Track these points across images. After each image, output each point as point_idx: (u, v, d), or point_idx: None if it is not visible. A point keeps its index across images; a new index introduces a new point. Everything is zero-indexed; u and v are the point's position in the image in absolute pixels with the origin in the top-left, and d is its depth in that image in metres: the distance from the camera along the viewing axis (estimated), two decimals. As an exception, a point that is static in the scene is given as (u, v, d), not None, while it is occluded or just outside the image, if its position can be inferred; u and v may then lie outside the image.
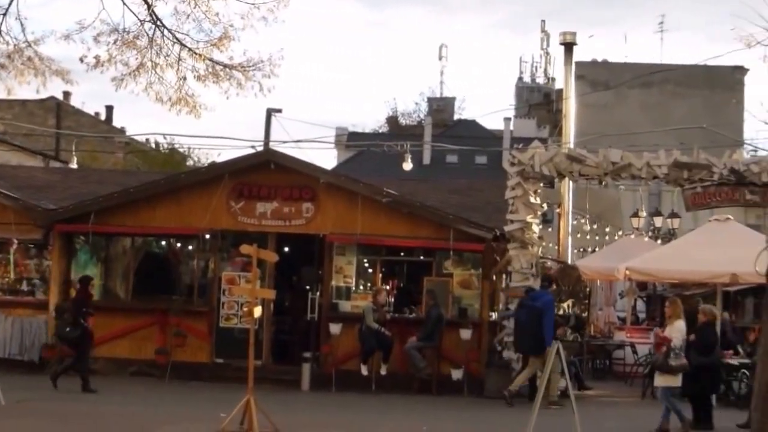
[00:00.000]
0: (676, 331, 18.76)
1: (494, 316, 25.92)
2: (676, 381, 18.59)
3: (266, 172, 25.59)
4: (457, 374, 24.48)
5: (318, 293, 25.72)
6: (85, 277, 23.71)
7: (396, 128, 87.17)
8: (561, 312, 28.22)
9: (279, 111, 38.62)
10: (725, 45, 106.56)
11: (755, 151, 39.31)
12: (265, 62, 20.39)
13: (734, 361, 24.59)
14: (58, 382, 21.57)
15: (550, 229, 38.20)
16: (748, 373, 22.74)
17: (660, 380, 18.83)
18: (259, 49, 32.15)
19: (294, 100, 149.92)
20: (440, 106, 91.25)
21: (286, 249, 26.19)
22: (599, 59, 74.25)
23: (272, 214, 25.63)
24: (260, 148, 28.74)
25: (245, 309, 23.56)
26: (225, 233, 25.77)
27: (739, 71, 69.50)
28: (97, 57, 19.73)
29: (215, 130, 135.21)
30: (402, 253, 26.77)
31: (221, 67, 20.33)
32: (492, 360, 24.84)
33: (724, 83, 68.37)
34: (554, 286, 25.99)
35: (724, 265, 24.81)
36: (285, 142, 43.08)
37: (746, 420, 17.74)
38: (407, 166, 29.51)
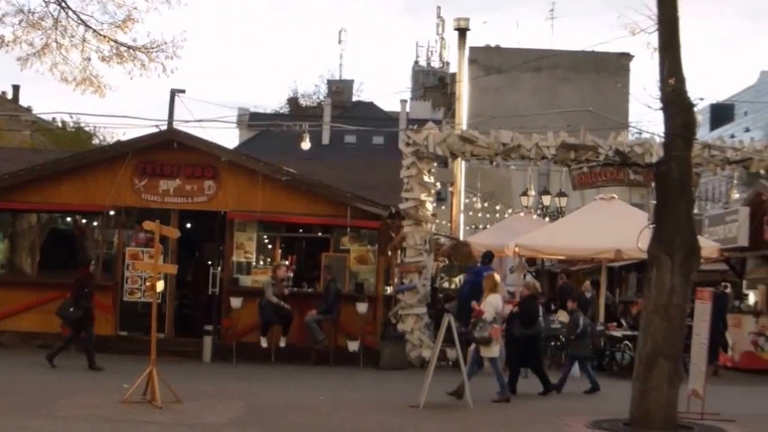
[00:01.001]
0: (489, 305, 19.32)
1: (389, 290, 26.71)
2: (492, 351, 19.19)
3: (169, 150, 26.04)
4: (353, 346, 25.18)
5: (219, 268, 26.31)
6: (86, 259, 24.24)
7: (296, 109, 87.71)
8: (453, 285, 29.16)
9: (182, 92, 39.09)
10: (612, 32, 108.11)
11: (639, 133, 40.72)
12: (168, 44, 20.98)
13: (617, 333, 25.79)
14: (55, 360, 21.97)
15: (443, 207, 39.22)
16: (630, 344, 23.88)
17: (484, 351, 19.25)
18: (163, 32, 32.81)
19: (197, 81, 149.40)
20: (339, 88, 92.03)
21: (189, 225, 26.59)
22: (492, 44, 75.47)
23: (175, 191, 26.11)
24: (164, 128, 29.04)
25: (148, 283, 23.70)
26: (129, 210, 26.18)
27: (625, 57, 71.35)
28: (1, 37, 20.18)
29: (121, 109, 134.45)
30: (301, 230, 27.49)
31: (125, 48, 20.82)
32: (387, 332, 25.65)
33: (611, 69, 70.02)
34: (494, 263, 27.00)
35: (608, 242, 25.87)
36: (188, 121, 43.38)
37: (456, 387, 18.46)
38: (306, 145, 30.15)
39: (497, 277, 20.56)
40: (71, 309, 22.29)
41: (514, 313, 20.86)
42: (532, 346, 20.73)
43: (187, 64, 55.72)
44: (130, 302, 25.97)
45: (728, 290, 29.31)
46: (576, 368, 22.14)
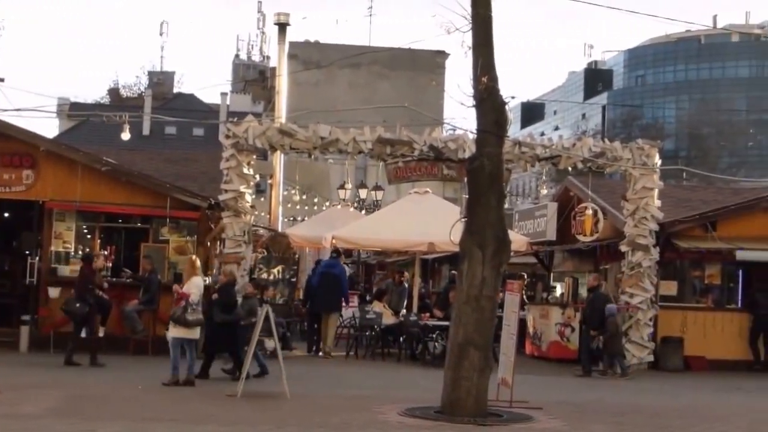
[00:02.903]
0: (194, 287, 19.73)
1: (209, 281, 26.86)
2: (194, 334, 19.63)
3: (-13, 139, 25.55)
4: (172, 335, 25.23)
5: (37, 258, 25.88)
6: (87, 255, 24.00)
7: (117, 100, 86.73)
8: (271, 277, 29.49)
9: (1, 80, 38.31)
10: (429, 30, 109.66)
11: (453, 129, 41.54)
12: (-16, 33, 20.70)
13: (430, 323, 26.47)
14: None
15: (262, 199, 39.35)
16: (442, 334, 24.52)
17: (174, 332, 19.58)
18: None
19: (17, 69, 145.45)
20: (160, 80, 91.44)
21: (6, 215, 26.27)
22: (312, 40, 75.98)
23: (-8, 180, 25.61)
24: (-17, 116, 28.50)
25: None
26: (-55, 199, 25.61)
27: (441, 55, 72.74)
28: None
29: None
30: (120, 220, 27.34)
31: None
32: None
33: (427, 66, 71.20)
34: (343, 257, 27.63)
35: (422, 235, 26.52)
36: (6, 110, 42.48)
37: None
38: (126, 136, 29.93)
39: (197, 260, 20.90)
40: (77, 305, 22.30)
41: (213, 300, 21.19)
42: (231, 332, 20.90)
43: (7, 52, 54.50)
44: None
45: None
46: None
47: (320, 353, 27.06)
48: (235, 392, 17.81)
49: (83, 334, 22.82)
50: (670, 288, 27.93)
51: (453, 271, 30.92)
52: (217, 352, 21.27)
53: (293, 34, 74.18)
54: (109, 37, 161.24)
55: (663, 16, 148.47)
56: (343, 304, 28.28)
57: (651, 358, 26.85)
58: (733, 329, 27.74)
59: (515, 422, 16.36)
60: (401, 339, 27.10)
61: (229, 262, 25.90)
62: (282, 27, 34.81)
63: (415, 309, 27.66)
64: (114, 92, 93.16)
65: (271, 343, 20.62)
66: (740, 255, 27.42)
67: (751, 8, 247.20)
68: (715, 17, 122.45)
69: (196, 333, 19.70)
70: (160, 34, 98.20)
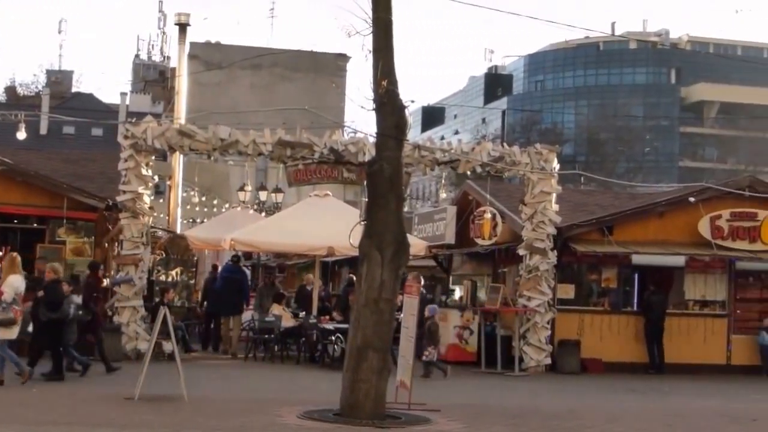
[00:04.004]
0: (8, 286, 19.41)
1: (106, 282, 26.58)
2: (11, 334, 19.32)
3: None
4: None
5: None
6: (94, 263, 23.85)
7: (14, 98, 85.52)
8: (170, 279, 29.31)
9: None
10: (331, 33, 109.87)
11: (354, 132, 41.62)
12: None
13: (330, 326, 26.47)
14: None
15: (161, 200, 39.04)
16: (342, 337, 24.52)
17: (3, 333, 19.22)
18: None
19: None
20: (58, 79, 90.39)
21: None
22: (213, 41, 75.69)
23: None
24: None
25: None
26: None
27: (342, 58, 72.81)
28: None
29: None
30: (16, 221, 26.98)
31: None
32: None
33: (329, 69, 71.22)
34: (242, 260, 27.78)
35: (322, 238, 26.49)
36: None
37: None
38: (21, 135, 29.69)
39: (18, 258, 20.50)
40: (80, 312, 21.81)
41: (39, 298, 20.92)
42: (56, 330, 20.74)
43: None
44: None
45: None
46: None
47: (221, 352, 27.41)
48: (132, 395, 17.62)
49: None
50: (568, 291, 28.29)
51: (351, 274, 31.06)
52: (42, 350, 20.92)
53: (194, 35, 73.94)
54: (6, 34, 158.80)
55: (562, 22, 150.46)
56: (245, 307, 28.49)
57: (548, 360, 27.17)
58: (629, 332, 28.19)
59: (413, 424, 16.41)
60: (301, 342, 27.08)
61: (126, 264, 25.71)
62: (182, 27, 34.61)
63: (314, 312, 27.65)
64: (10, 91, 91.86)
65: (169, 346, 20.50)
66: (636, 259, 27.89)
67: (648, 16, 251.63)
68: (613, 24, 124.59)
69: (12, 333, 19.31)
70: (59, 32, 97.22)
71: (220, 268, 31.09)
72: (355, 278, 24.75)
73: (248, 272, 33.03)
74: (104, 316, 24.52)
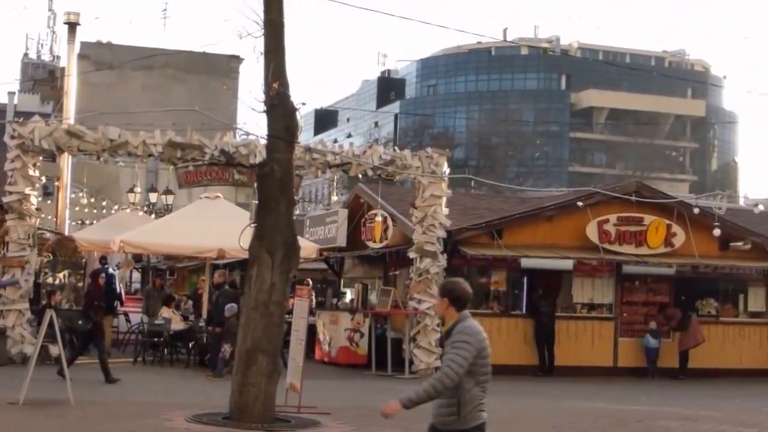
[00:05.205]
0: None
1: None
2: None
3: None
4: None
5: None
6: (96, 271, 23.62)
7: None
8: (57, 281, 28.83)
9: None
10: (224, 34, 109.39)
11: (245, 134, 41.48)
12: None
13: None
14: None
15: (49, 202, 38.54)
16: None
17: None
18: None
19: None
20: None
21: None
22: (104, 40, 74.99)
23: None
24: None
25: None
26: None
27: (235, 60, 72.70)
28: None
29: None
30: None
31: None
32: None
33: (221, 70, 71.08)
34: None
35: (212, 240, 26.37)
36: None
37: None
38: None
39: None
40: (80, 321, 21.68)
41: None
42: None
43: None
44: None
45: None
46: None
47: None
48: (17, 399, 17.34)
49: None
50: (458, 294, 28.42)
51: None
52: None
53: (85, 34, 73.01)
54: None
55: (454, 27, 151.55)
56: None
57: (438, 363, 27.27)
58: (518, 335, 28.49)
59: (303, 427, 16.46)
60: (190, 345, 26.89)
61: (12, 266, 25.32)
62: (72, 26, 34.14)
63: (204, 315, 27.47)
64: None
65: (55, 350, 20.23)
66: (525, 262, 28.19)
67: (539, 23, 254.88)
68: (505, 30, 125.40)
69: None
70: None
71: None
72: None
73: (116, 273, 32.71)
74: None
